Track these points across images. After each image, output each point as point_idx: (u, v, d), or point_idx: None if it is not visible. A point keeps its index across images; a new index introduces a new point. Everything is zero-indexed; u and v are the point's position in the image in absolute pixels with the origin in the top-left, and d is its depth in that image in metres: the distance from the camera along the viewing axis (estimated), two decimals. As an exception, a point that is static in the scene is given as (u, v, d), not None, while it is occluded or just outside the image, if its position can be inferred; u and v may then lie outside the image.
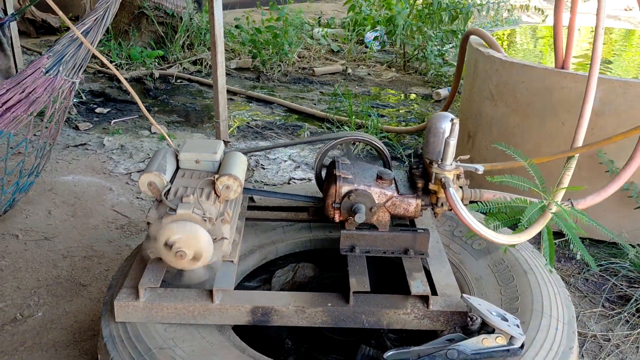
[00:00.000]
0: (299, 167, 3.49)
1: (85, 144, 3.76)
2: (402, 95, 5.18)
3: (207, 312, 1.60)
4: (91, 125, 4.07)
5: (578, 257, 2.58)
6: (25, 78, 2.54)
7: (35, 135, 2.78)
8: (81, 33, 2.68)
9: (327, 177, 1.88)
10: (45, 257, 2.54)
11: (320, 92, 5.16)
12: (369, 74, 5.82)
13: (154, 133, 3.97)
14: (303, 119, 4.41)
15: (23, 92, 2.53)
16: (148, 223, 1.56)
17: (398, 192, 1.75)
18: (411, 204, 1.74)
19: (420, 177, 1.77)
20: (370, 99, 4.96)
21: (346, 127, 4.01)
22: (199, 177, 1.66)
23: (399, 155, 3.68)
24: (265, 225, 2.14)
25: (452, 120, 1.63)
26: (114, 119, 4.24)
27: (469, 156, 1.85)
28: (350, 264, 1.73)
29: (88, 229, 2.78)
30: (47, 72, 2.58)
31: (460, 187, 1.75)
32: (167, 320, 1.60)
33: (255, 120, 4.31)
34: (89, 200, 3.05)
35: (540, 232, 1.69)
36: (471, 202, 1.78)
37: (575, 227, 1.67)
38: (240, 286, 2.11)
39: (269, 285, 2.23)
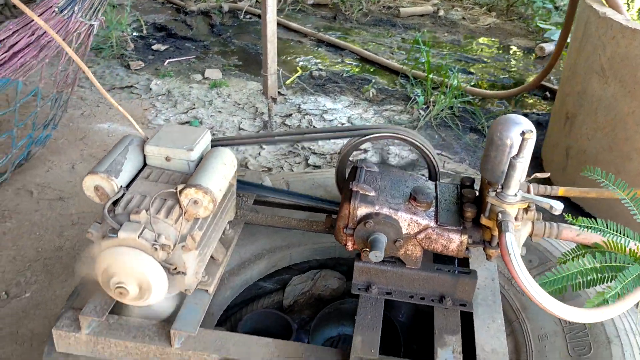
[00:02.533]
0: (357, 132, 3.00)
1: (132, 86, 3.47)
2: (500, 47, 4.44)
3: (164, 356, 1.25)
4: (143, 65, 3.76)
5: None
6: (36, 18, 2.22)
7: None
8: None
9: (345, 185, 1.41)
10: (54, 221, 2.30)
11: (402, 37, 4.53)
12: (464, 17, 5.07)
13: (207, 78, 3.60)
14: (375, 70, 3.85)
15: (32, 34, 2.21)
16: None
17: (437, 221, 1.26)
18: (453, 240, 1.25)
19: (472, 203, 1.26)
20: (459, 50, 4.28)
21: (420, 86, 3.43)
22: (167, 181, 1.26)
23: (479, 127, 3.08)
24: (279, 225, 1.72)
25: (523, 133, 1.09)
26: (170, 58, 3.90)
27: (549, 174, 1.31)
28: (360, 310, 1.29)
29: (108, 190, 2.50)
30: (61, 12, 2.24)
31: (531, 222, 1.24)
32: (116, 359, 1.26)
33: (320, 70, 3.81)
34: (118, 155, 2.77)
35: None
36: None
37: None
38: (254, 285, 1.75)
39: (282, 293, 1.85)
